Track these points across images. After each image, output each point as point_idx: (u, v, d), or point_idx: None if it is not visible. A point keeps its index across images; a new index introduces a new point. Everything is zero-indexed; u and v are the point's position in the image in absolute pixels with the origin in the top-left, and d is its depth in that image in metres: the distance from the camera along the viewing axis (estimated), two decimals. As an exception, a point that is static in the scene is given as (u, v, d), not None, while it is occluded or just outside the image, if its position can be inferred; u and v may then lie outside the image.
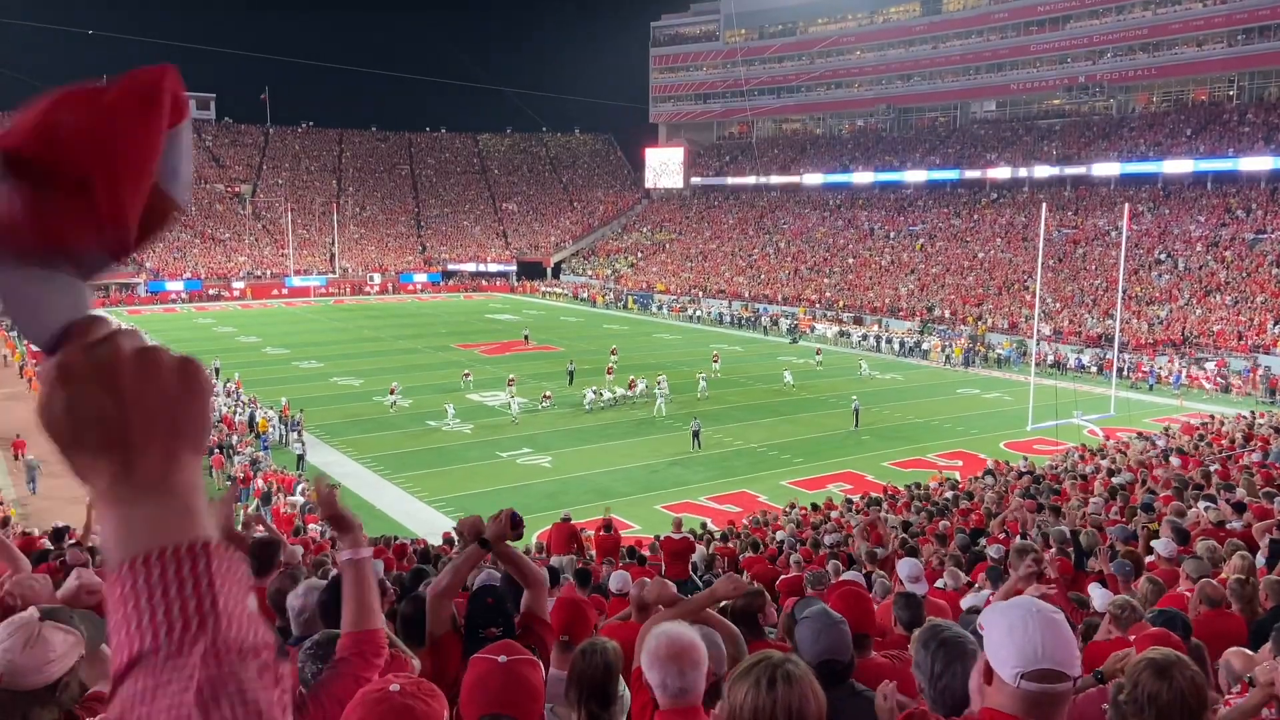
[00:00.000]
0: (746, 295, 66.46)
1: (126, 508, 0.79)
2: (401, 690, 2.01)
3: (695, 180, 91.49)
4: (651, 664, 2.53)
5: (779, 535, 16.07)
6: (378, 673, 2.43)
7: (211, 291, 73.98)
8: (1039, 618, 2.11)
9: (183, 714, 0.71)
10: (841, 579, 7.42)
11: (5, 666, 2.31)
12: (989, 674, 2.15)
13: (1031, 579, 5.95)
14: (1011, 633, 2.11)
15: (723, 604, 4.16)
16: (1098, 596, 6.51)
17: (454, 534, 14.36)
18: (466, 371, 40.10)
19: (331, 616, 3.52)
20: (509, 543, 3.86)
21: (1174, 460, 17.14)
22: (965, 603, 6.52)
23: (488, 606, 3.54)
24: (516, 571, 3.91)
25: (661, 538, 15.25)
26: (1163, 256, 51.99)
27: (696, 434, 29.81)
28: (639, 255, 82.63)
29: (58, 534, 11.38)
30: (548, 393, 35.78)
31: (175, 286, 73.04)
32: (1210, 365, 41.02)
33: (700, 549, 14.66)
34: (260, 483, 24.73)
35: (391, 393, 35.05)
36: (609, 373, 39.02)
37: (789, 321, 58.54)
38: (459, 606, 3.97)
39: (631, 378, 37.07)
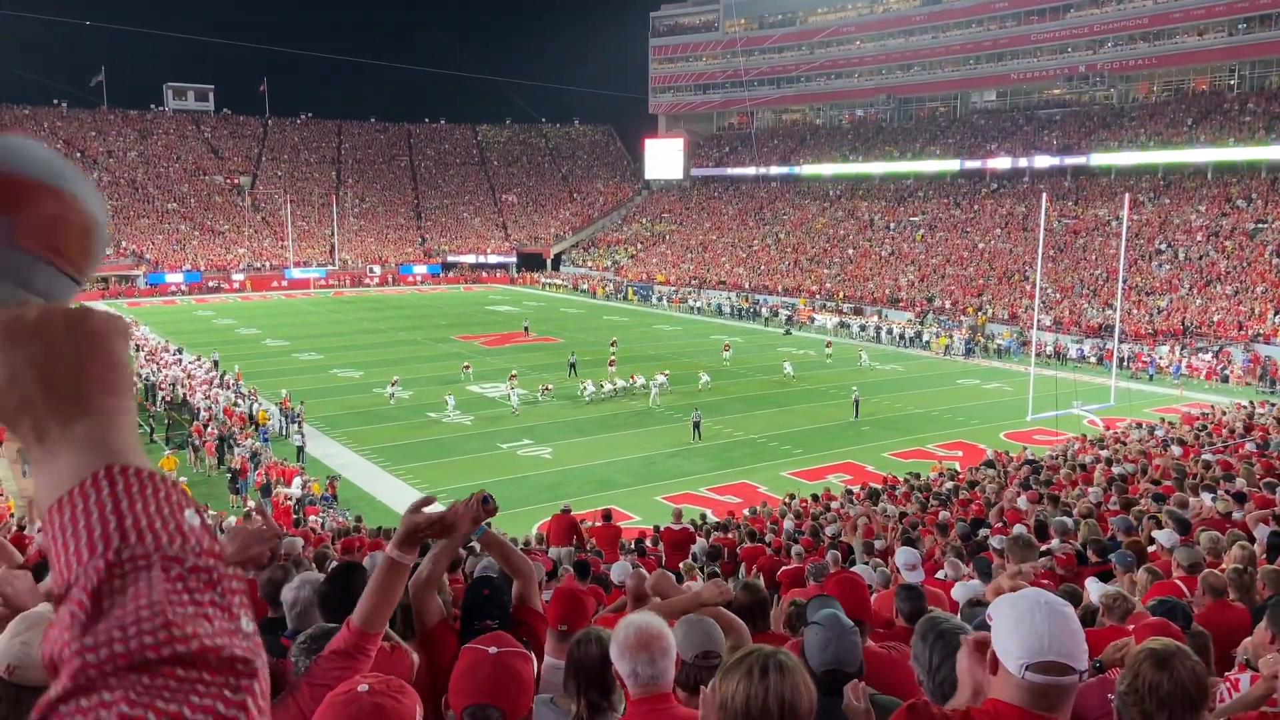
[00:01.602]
0: (746, 286, 66.42)
1: (48, 463, 0.82)
2: (371, 690, 2.01)
3: (695, 171, 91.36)
4: (621, 654, 2.54)
5: (782, 525, 16.06)
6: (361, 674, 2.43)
7: (211, 283, 73.94)
8: (1046, 609, 2.10)
9: (71, 621, 0.72)
10: (841, 569, 7.41)
11: (21, 659, 2.31)
12: (995, 665, 2.14)
13: (1027, 576, 5.93)
14: (1018, 624, 2.09)
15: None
16: (1094, 590, 6.48)
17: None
18: (466, 364, 40.10)
19: (330, 609, 3.50)
20: (491, 526, 3.82)
21: (1175, 450, 17.13)
22: (955, 594, 6.49)
23: (484, 598, 3.52)
24: (504, 561, 3.88)
25: (661, 529, 15.28)
26: (1163, 246, 51.92)
27: (697, 425, 29.81)
28: (639, 246, 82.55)
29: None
30: (548, 384, 35.79)
31: (175, 278, 72.98)
32: (1216, 354, 40.98)
33: (700, 541, 14.67)
34: (261, 474, 24.75)
35: (392, 385, 35.03)
36: (610, 364, 39.01)
37: (786, 312, 58.54)
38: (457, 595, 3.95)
39: (633, 375, 36.99)
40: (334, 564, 5.93)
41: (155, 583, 0.74)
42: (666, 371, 36.52)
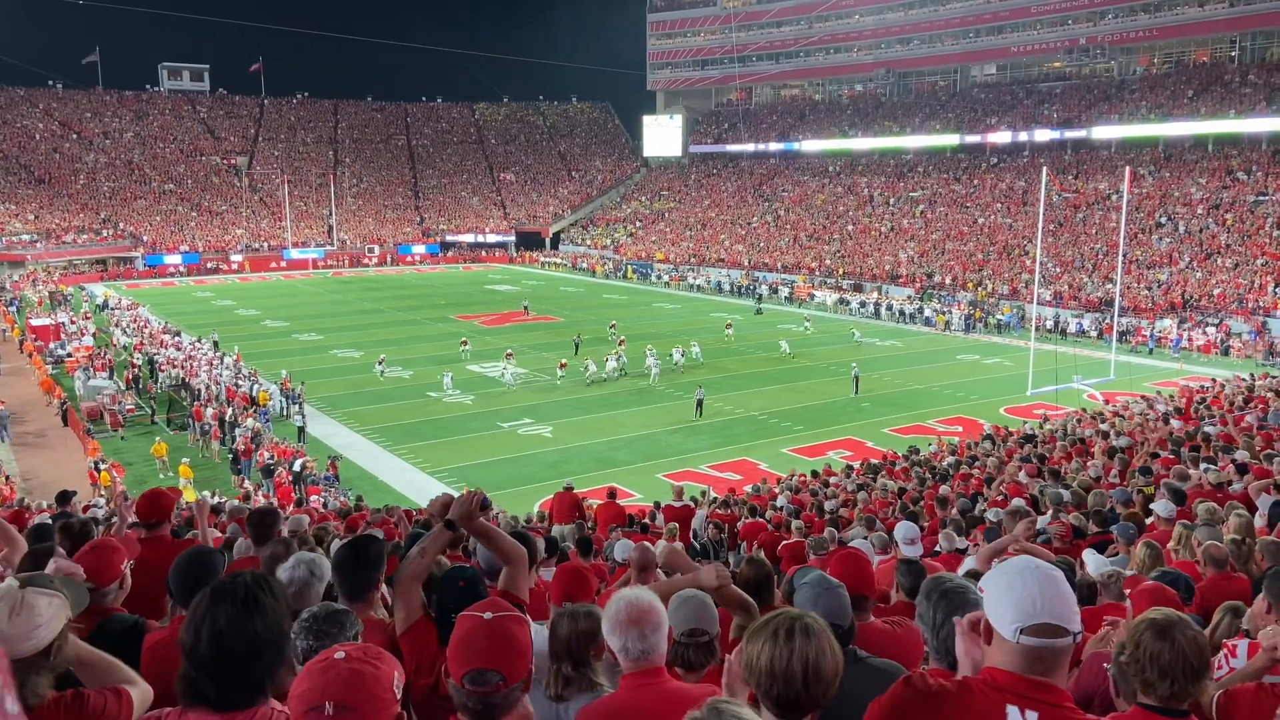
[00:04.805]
0: (746, 264, 66.28)
1: None
2: (347, 656, 2.03)
3: (694, 148, 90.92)
4: (613, 629, 2.56)
5: (779, 502, 16.13)
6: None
7: (209, 265, 73.84)
8: (1037, 573, 2.13)
9: None
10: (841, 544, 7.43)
11: None
12: (989, 633, 2.16)
13: (1027, 539, 5.95)
14: (1010, 589, 2.12)
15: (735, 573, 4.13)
16: (1092, 562, 6.50)
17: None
18: (465, 340, 40.02)
19: (345, 574, 3.56)
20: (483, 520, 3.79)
21: (1175, 423, 17.14)
22: (964, 567, 6.50)
23: (459, 590, 3.41)
24: (494, 548, 3.83)
25: (662, 505, 15.34)
26: (1163, 220, 51.77)
27: (700, 402, 29.84)
28: (638, 224, 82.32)
29: (63, 497, 11.55)
30: (563, 361, 35.87)
31: (173, 260, 72.85)
32: (1217, 327, 40.93)
33: (700, 513, 14.76)
34: (264, 455, 24.79)
35: (379, 363, 35.25)
36: (620, 344, 39.07)
37: (784, 291, 58.43)
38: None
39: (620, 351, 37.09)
40: (337, 540, 5.95)
41: None
42: (650, 345, 36.52)
